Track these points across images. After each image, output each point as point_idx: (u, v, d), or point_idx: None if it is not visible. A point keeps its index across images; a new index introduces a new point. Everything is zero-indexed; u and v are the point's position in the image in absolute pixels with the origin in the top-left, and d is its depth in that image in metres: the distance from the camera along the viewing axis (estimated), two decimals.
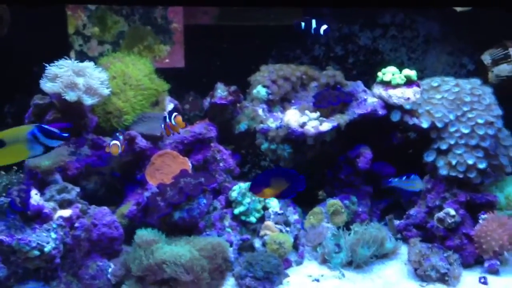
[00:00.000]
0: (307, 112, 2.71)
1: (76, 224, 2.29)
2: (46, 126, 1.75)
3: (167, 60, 3.02)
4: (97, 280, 2.34)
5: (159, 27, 3.01)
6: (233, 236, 2.62)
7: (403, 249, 2.75)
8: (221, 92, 2.76)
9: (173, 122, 2.32)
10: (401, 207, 3.00)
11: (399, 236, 2.84)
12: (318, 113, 2.72)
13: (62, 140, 1.80)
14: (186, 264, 2.28)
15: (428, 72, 3.29)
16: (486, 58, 3.09)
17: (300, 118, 2.69)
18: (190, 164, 2.68)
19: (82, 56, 2.92)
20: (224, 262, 2.47)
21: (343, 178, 2.90)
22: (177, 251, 2.30)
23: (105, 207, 2.44)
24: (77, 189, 2.44)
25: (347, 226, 2.74)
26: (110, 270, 2.37)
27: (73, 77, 2.49)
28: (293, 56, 3.24)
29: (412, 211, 2.81)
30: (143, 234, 2.38)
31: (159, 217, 2.46)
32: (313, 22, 2.65)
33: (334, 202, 2.78)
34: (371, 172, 2.92)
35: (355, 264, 2.62)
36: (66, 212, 2.30)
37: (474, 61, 3.25)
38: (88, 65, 2.56)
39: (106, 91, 2.58)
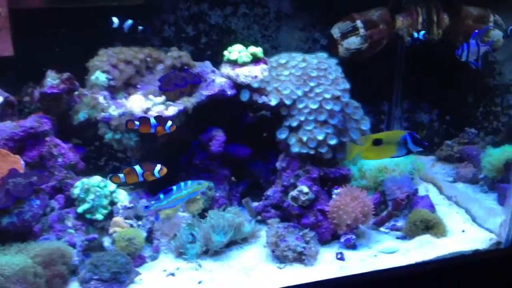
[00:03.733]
0: (151, 96, 2.54)
1: None
2: (415, 134, 2.06)
3: None
4: None
5: None
6: (76, 237, 2.40)
7: (264, 232, 2.68)
8: (51, 80, 2.50)
9: (167, 129, 2.44)
10: (262, 187, 2.93)
11: (259, 218, 2.77)
12: (163, 97, 2.57)
13: (423, 148, 2.11)
14: (16, 274, 2.04)
15: (282, 49, 3.23)
16: (335, 31, 3.08)
17: (144, 103, 2.52)
18: (22, 163, 2.42)
19: None
20: (65, 267, 2.25)
21: (198, 164, 2.78)
22: (5, 261, 2.05)
23: None
24: None
25: (205, 213, 2.63)
26: None
27: None
28: (142, 38, 3.03)
29: (269, 191, 2.75)
30: None
31: None
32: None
33: None
34: (227, 155, 2.82)
35: (211, 252, 2.51)
36: None
37: (326, 35, 3.24)
38: None
39: None
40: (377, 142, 2.15)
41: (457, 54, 2.56)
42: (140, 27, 2.65)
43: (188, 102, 2.54)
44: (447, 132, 3.66)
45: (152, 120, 2.42)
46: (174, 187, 2.31)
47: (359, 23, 3.01)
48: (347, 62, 3.08)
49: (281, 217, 2.70)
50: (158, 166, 2.38)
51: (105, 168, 3.19)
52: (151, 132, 2.43)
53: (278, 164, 2.76)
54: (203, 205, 2.68)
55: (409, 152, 2.11)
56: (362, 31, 3.01)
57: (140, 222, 2.55)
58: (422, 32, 2.91)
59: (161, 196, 2.30)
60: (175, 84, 2.57)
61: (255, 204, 2.79)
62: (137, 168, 2.35)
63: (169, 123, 2.43)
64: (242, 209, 2.79)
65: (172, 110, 2.51)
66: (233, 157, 2.84)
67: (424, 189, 3.15)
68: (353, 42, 3.03)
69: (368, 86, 3.35)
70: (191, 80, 2.61)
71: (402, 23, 3.07)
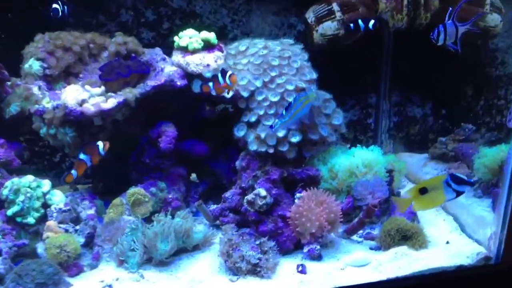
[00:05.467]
0: (87, 87, 2.27)
1: None
2: (456, 174, 2.00)
3: None
4: None
5: None
6: (3, 243, 2.16)
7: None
8: None
9: (228, 81, 2.21)
10: (224, 188, 2.64)
11: (218, 222, 2.49)
12: (103, 88, 2.30)
13: (470, 185, 2.05)
14: None
15: (254, 35, 2.92)
16: (310, 15, 2.75)
17: (79, 94, 2.25)
18: None
19: None
20: None
21: (148, 162, 2.50)
22: None
23: None
24: None
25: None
26: None
27: None
28: (96, 24, 2.77)
29: (227, 193, 2.48)
30: None
31: None
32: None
33: (134, 191, 2.39)
34: (182, 152, 2.54)
35: (156, 261, 2.24)
36: None
37: (303, 20, 2.91)
38: None
39: None
40: (423, 191, 2.05)
41: (432, 38, 2.20)
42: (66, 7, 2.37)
43: (129, 93, 2.27)
44: (443, 128, 3.30)
45: (220, 79, 2.25)
46: (292, 101, 2.24)
47: (335, 6, 2.68)
48: (326, 50, 2.77)
49: (240, 222, 2.44)
50: (100, 144, 2.26)
51: (60, 164, 2.95)
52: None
53: (238, 164, 2.49)
54: (152, 208, 2.42)
55: (458, 193, 2.01)
56: (338, 14, 2.68)
57: (77, 227, 2.30)
58: (372, 22, 2.53)
59: (284, 112, 2.23)
60: (117, 73, 2.30)
61: (213, 207, 2.50)
62: (82, 156, 2.25)
63: (229, 72, 2.23)
64: (199, 212, 2.52)
65: (111, 102, 2.24)
66: (190, 155, 2.56)
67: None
68: (328, 27, 2.70)
69: (353, 77, 3.05)
70: (136, 69, 2.34)
71: (385, 5, 2.72)
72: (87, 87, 2.26)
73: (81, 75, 2.44)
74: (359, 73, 3.08)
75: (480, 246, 2.36)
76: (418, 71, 3.10)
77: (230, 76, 2.21)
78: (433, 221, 2.59)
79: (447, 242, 2.40)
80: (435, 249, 2.34)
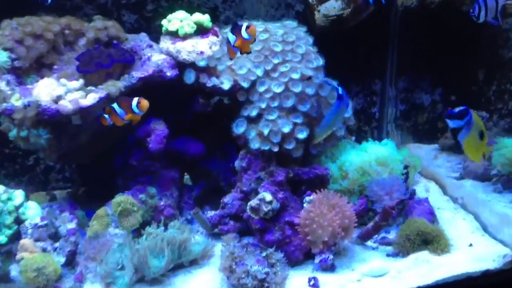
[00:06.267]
0: (63, 80, 1.96)
1: None
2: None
3: None
4: None
5: None
6: None
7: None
8: None
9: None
10: (222, 191, 2.36)
11: (216, 231, 2.23)
12: (81, 81, 2.00)
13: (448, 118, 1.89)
14: None
15: (248, 16, 2.68)
16: None
17: (54, 90, 1.95)
18: None
19: None
20: None
21: (135, 165, 2.22)
22: None
23: None
24: None
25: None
26: None
27: None
28: (71, 6, 2.47)
29: (227, 198, 2.24)
30: None
31: None
32: None
33: (121, 200, 2.11)
34: (174, 152, 2.26)
35: (148, 280, 1.97)
36: None
37: None
38: None
39: None
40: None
41: (473, 15, 2.01)
42: None
43: (112, 87, 1.98)
44: None
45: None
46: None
47: None
48: (327, 33, 2.51)
49: (243, 230, 2.21)
50: (135, 100, 1.95)
51: (35, 168, 2.64)
52: None
53: (237, 164, 2.23)
54: (142, 217, 2.14)
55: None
56: None
57: (57, 244, 2.03)
58: None
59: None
60: (97, 64, 2.01)
61: (210, 213, 2.23)
62: (115, 105, 1.96)
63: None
64: (194, 220, 2.26)
65: (91, 98, 1.95)
66: (183, 155, 2.28)
67: (423, 188, 2.63)
68: (332, 6, 2.45)
69: (356, 62, 2.85)
70: (119, 58, 2.06)
71: None
72: (62, 80, 1.97)
73: (55, 67, 2.14)
74: (363, 57, 2.85)
75: (505, 247, 2.15)
76: (426, 55, 2.87)
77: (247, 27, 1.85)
78: (452, 221, 2.37)
79: (470, 245, 2.18)
80: (458, 253, 2.13)
